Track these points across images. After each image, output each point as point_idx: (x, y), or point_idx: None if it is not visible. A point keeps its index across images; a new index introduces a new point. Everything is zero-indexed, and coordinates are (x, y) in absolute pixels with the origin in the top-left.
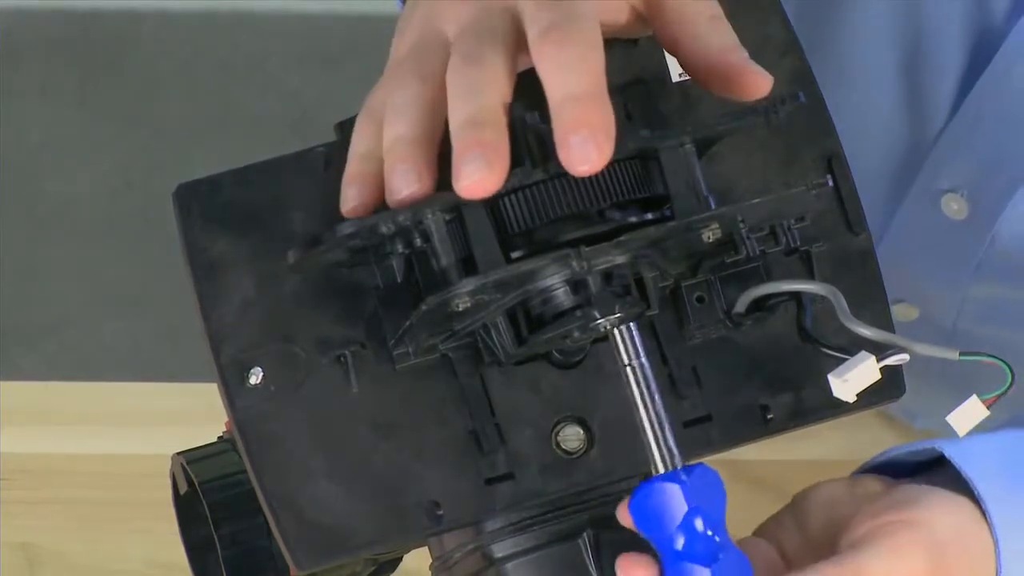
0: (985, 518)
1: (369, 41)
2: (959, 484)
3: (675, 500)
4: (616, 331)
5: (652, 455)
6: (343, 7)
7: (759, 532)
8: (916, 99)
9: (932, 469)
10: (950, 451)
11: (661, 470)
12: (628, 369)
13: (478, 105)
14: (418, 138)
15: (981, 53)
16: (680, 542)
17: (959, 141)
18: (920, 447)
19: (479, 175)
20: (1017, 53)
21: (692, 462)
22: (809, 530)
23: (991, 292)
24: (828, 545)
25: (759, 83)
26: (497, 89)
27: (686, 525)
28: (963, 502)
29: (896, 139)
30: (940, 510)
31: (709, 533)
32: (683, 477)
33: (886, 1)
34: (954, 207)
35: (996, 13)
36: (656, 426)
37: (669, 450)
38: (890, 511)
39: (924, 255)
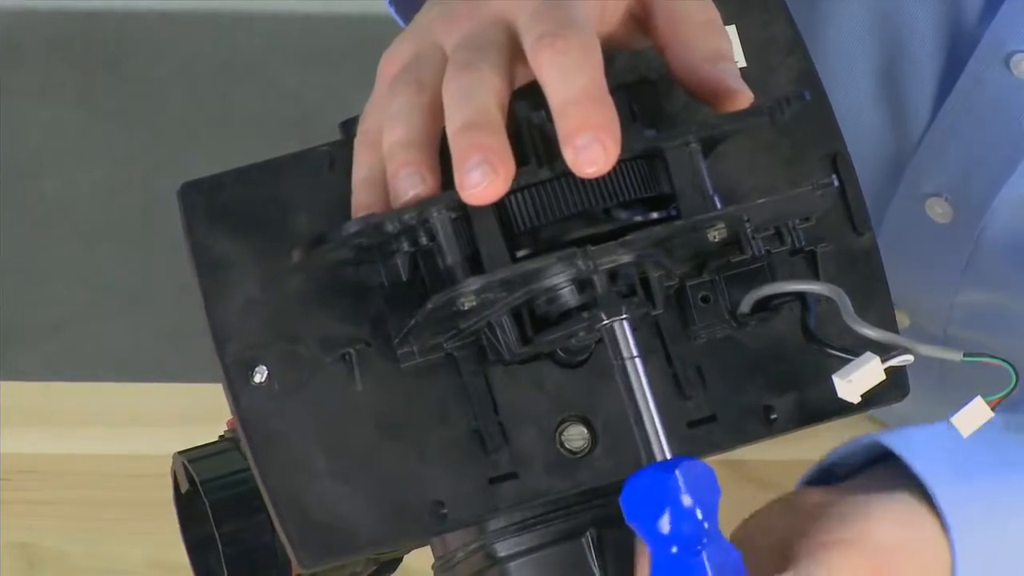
0: (934, 509)
1: (369, 41)
2: (904, 477)
3: (666, 488)
4: (616, 326)
5: (649, 447)
6: (343, 7)
7: None
8: (897, 103)
9: (875, 464)
10: (892, 443)
11: (658, 459)
12: (629, 363)
13: (475, 108)
14: (417, 141)
15: (957, 57)
16: (669, 528)
17: (939, 145)
18: (860, 443)
19: (486, 181)
20: (990, 58)
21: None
22: (756, 558)
23: (979, 298)
24: (770, 564)
25: (736, 97)
26: (493, 93)
27: (676, 512)
28: (906, 498)
29: (880, 143)
30: (880, 518)
31: (699, 516)
32: (674, 467)
33: (864, 5)
34: (938, 211)
35: (969, 16)
36: (654, 418)
37: (664, 442)
38: (826, 532)
39: (912, 260)
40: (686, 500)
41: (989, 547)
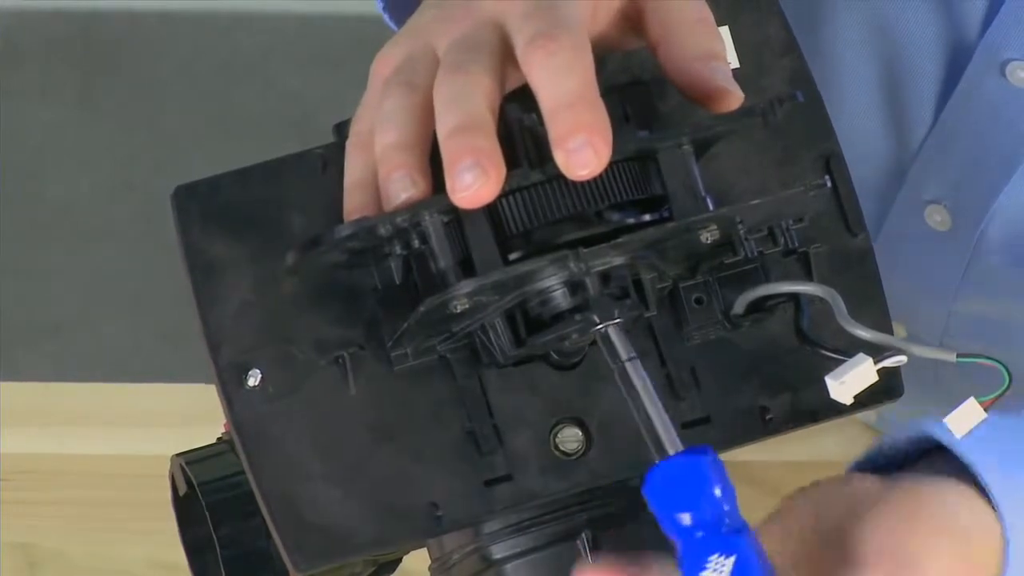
0: (986, 499)
1: (369, 41)
2: (950, 466)
3: (701, 474)
4: (611, 330)
5: (660, 443)
6: (343, 7)
7: None
8: (897, 112)
9: (919, 459)
10: (942, 435)
11: (671, 453)
12: (628, 364)
13: (465, 111)
14: (409, 143)
15: (958, 65)
16: (709, 517)
17: (938, 152)
18: (905, 435)
19: (477, 184)
20: (985, 66)
21: None
22: (800, 535)
23: (977, 306)
24: (820, 550)
25: (727, 97)
26: (484, 95)
27: (712, 500)
28: (963, 486)
29: (879, 151)
30: (956, 503)
31: (726, 507)
32: (702, 454)
33: (863, 15)
34: (937, 218)
35: (969, 27)
36: (662, 413)
37: (676, 435)
38: (906, 521)
39: (910, 268)
40: (721, 484)
41: None
